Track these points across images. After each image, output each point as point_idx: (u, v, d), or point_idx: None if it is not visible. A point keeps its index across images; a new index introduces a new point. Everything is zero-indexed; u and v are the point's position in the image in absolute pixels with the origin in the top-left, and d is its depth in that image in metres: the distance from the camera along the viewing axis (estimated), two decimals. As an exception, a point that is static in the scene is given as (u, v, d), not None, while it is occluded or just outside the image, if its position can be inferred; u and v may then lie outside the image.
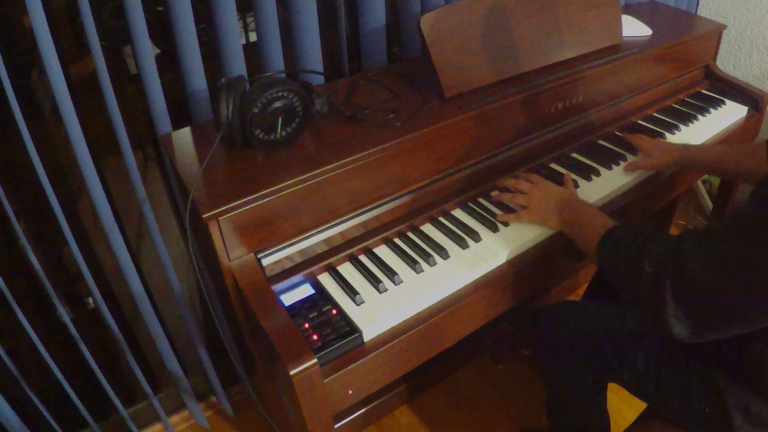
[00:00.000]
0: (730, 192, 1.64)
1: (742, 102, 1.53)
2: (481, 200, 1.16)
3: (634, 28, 1.50)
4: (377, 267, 1.00)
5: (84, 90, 1.18)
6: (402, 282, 0.97)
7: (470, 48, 1.16)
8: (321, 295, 0.95)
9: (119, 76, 1.23)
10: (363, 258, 1.03)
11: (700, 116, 1.46)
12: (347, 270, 1.01)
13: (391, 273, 0.98)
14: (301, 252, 0.99)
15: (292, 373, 0.79)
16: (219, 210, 0.87)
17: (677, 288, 0.73)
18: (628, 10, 1.68)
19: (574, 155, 1.30)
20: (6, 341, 1.17)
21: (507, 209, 1.11)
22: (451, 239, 1.06)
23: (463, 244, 1.04)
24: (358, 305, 0.93)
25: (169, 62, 1.19)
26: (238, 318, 0.99)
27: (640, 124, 1.44)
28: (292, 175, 0.94)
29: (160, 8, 1.19)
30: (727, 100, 1.54)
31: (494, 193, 1.16)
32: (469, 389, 1.67)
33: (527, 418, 1.59)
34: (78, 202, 1.30)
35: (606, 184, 1.21)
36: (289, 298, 0.94)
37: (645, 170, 1.23)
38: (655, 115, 1.47)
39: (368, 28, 1.32)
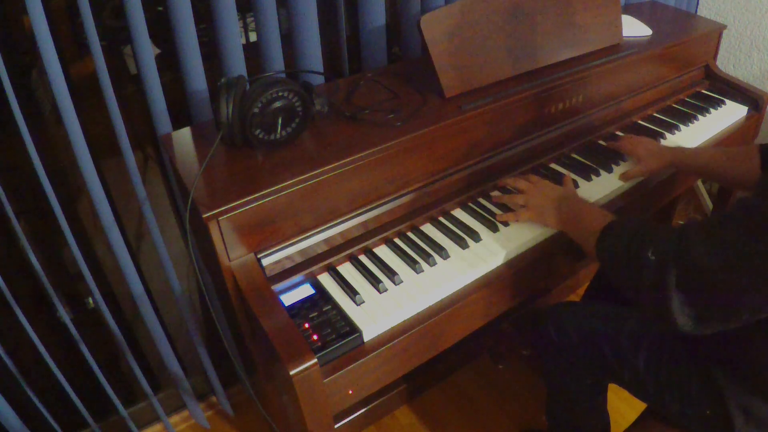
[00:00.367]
0: (730, 192, 1.64)
1: (742, 102, 1.53)
2: (481, 200, 1.16)
3: (634, 28, 1.50)
4: (377, 267, 1.00)
5: (84, 90, 1.18)
6: (402, 282, 0.97)
7: (470, 48, 1.16)
8: (321, 295, 0.95)
9: (119, 76, 1.23)
10: (363, 258, 1.03)
11: (699, 116, 1.46)
12: (347, 270, 1.01)
13: (391, 273, 0.98)
14: (301, 252, 0.99)
15: (292, 373, 0.79)
16: (219, 210, 0.87)
17: (682, 275, 0.71)
18: (628, 10, 1.68)
19: (574, 155, 1.30)
20: (6, 341, 1.17)
21: (507, 209, 1.11)
22: (451, 239, 1.06)
23: (463, 244, 1.04)
24: (358, 305, 0.93)
25: (169, 62, 1.19)
26: (238, 318, 0.99)
27: (640, 124, 1.44)
28: (292, 175, 0.94)
29: (160, 8, 1.19)
30: (727, 100, 1.54)
31: (494, 194, 1.16)
32: (469, 389, 1.67)
33: (527, 418, 1.59)
34: (78, 202, 1.29)
35: (606, 184, 1.21)
36: (289, 298, 0.94)
37: (639, 177, 1.22)
38: (655, 115, 1.47)
39: (368, 28, 1.32)
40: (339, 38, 1.33)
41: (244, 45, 1.17)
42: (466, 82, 1.17)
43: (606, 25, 1.36)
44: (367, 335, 0.89)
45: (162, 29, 1.17)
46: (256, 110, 0.95)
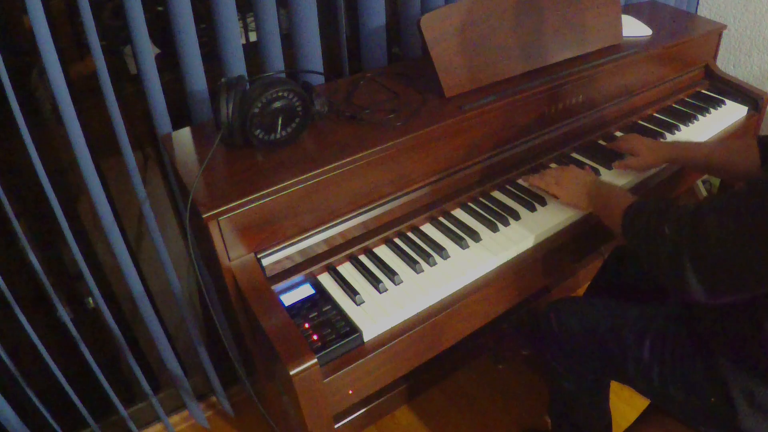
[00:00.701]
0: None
1: (742, 102, 1.53)
2: (482, 200, 1.16)
3: (634, 28, 1.50)
4: (377, 267, 1.00)
5: (84, 90, 1.18)
6: (402, 282, 0.97)
7: (470, 48, 1.16)
8: (321, 295, 0.95)
9: (119, 76, 1.22)
10: (363, 258, 1.03)
11: (700, 116, 1.46)
12: (347, 270, 1.01)
13: (391, 273, 0.98)
14: (301, 252, 0.99)
15: (292, 373, 0.79)
16: (219, 210, 0.87)
17: (694, 246, 0.77)
18: (628, 10, 1.68)
19: (574, 155, 1.30)
20: (6, 341, 1.17)
21: (505, 208, 1.12)
22: (451, 239, 1.06)
23: (462, 244, 1.04)
24: (358, 305, 0.93)
25: (169, 62, 1.19)
26: (238, 318, 0.99)
27: (640, 124, 1.44)
28: (292, 175, 0.94)
29: (160, 8, 1.19)
30: (727, 100, 1.54)
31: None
32: (469, 389, 1.67)
33: (527, 419, 1.59)
34: (78, 202, 1.29)
35: (606, 184, 1.21)
36: (289, 298, 0.94)
37: (635, 170, 1.23)
38: (655, 115, 1.47)
39: (368, 28, 1.32)
40: (339, 38, 1.33)
41: (244, 45, 1.17)
42: (467, 82, 1.17)
43: (606, 25, 1.36)
44: (367, 335, 0.89)
45: (162, 29, 1.18)
46: (256, 110, 0.95)
